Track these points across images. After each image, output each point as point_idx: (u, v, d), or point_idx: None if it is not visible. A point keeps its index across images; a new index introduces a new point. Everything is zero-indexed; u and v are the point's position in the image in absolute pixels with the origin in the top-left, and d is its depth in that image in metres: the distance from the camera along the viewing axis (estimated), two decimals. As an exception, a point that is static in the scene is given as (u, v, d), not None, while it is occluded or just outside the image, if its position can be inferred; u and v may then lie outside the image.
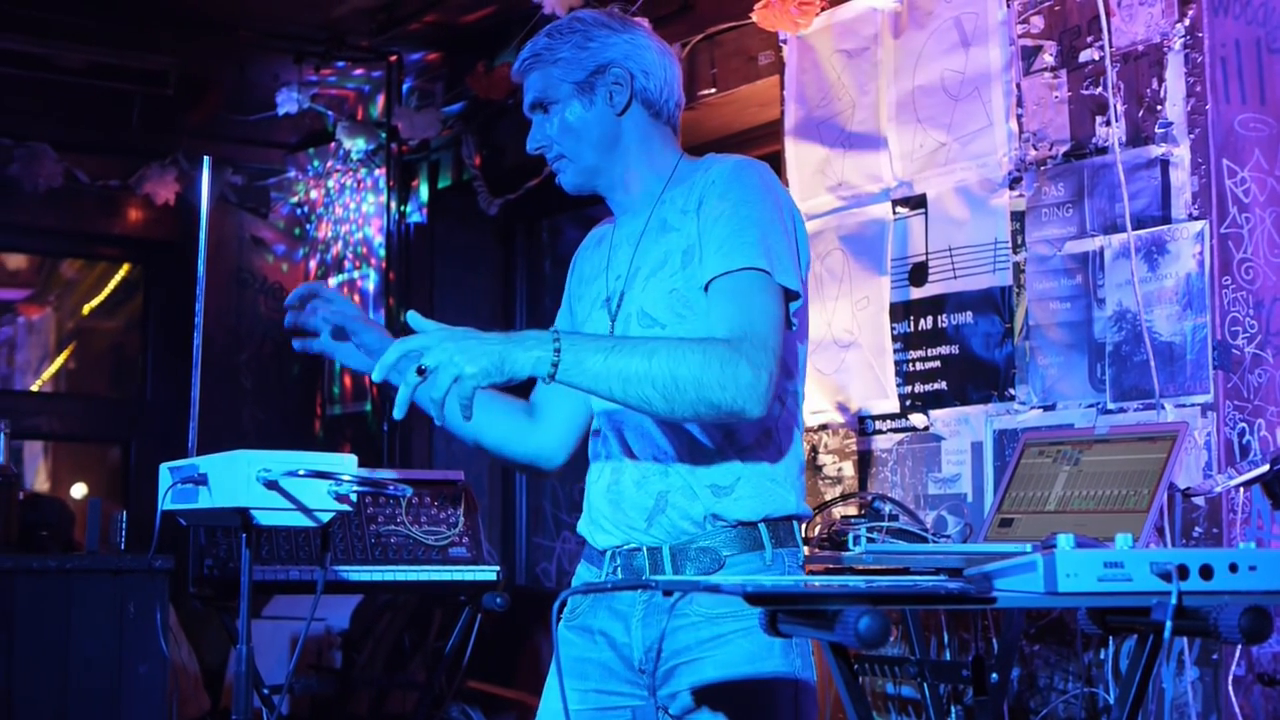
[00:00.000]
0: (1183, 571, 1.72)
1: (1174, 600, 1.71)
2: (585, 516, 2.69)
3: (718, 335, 2.38)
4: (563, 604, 2.06)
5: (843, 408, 4.75)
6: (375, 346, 2.72)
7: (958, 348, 4.41)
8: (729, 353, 2.33)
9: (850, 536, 3.86)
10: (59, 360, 8.85)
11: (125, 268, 8.57)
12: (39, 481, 8.90)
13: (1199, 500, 3.68)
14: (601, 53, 2.61)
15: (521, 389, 2.61)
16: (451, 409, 2.31)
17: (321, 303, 2.77)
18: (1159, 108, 3.89)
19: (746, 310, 2.39)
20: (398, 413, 2.31)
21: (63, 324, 8.87)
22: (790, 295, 2.48)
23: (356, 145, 7.68)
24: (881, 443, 4.64)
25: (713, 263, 2.46)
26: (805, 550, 3.88)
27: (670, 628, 2.52)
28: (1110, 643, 3.82)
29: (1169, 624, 1.71)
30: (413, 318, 2.37)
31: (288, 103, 7.49)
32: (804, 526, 2.73)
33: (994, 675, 3.71)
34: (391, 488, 3.02)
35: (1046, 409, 4.12)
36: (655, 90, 2.64)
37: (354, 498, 2.84)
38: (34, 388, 8.89)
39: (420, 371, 2.27)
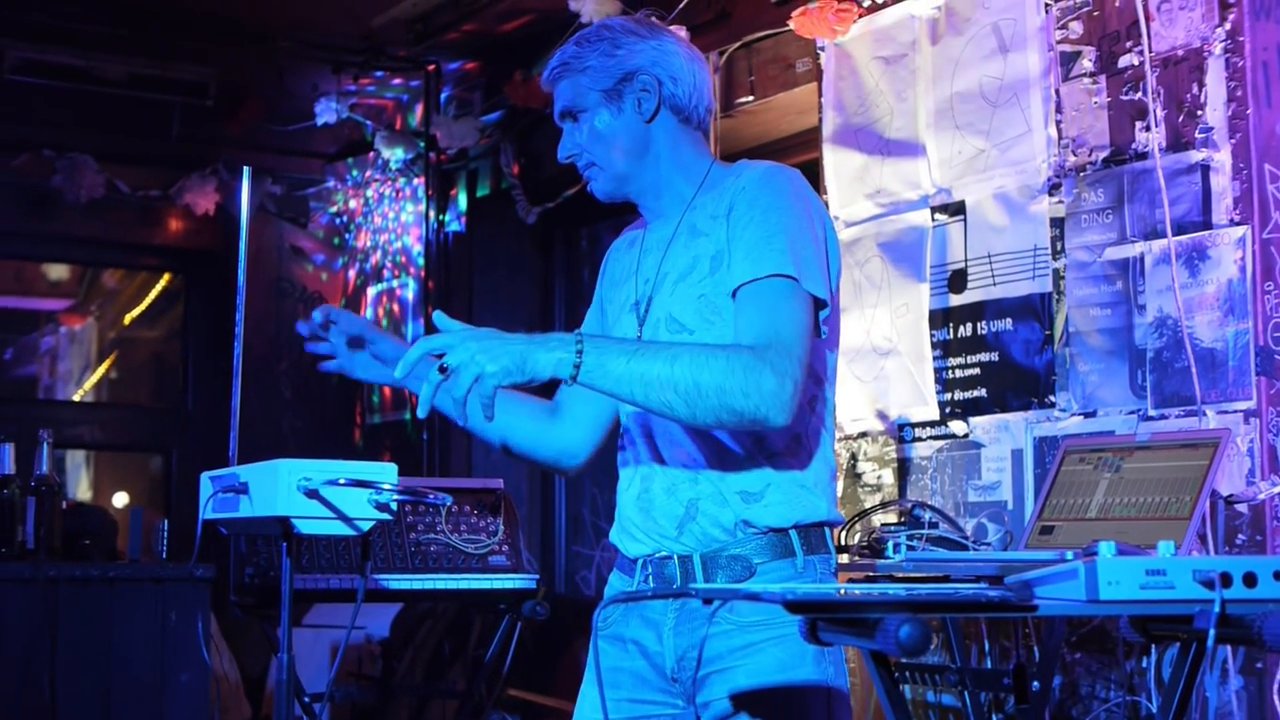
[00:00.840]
0: (1226, 579, 1.71)
1: (1217, 608, 1.70)
2: (616, 525, 2.69)
3: (744, 342, 2.38)
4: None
5: (882, 415, 4.74)
6: (391, 355, 2.75)
7: (997, 354, 4.39)
8: (753, 360, 2.32)
9: (890, 544, 3.85)
10: (100, 370, 8.91)
11: (166, 278, 8.62)
12: (81, 491, 8.96)
13: (1242, 507, 3.66)
14: (629, 60, 2.61)
15: (543, 390, 2.62)
16: (473, 409, 2.32)
17: (337, 319, 2.80)
18: (1199, 113, 3.87)
19: (773, 317, 2.39)
20: (421, 411, 2.33)
21: (104, 334, 8.93)
22: (819, 303, 2.48)
23: (395, 154, 7.70)
24: (921, 450, 4.63)
25: (741, 269, 2.45)
26: (844, 558, 3.89)
27: (704, 636, 2.52)
28: (1153, 651, 3.80)
29: (1212, 632, 1.70)
30: (438, 317, 2.39)
31: (326, 112, 7.52)
32: (836, 533, 2.72)
33: (1035, 683, 3.69)
34: (431, 496, 3.02)
35: (1087, 416, 4.10)
36: (684, 96, 2.63)
37: (394, 506, 2.84)
38: (76, 397, 8.95)
39: (442, 370, 2.28)
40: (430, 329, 2.39)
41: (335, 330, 2.78)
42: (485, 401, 2.29)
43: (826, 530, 2.57)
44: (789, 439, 2.52)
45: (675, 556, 2.54)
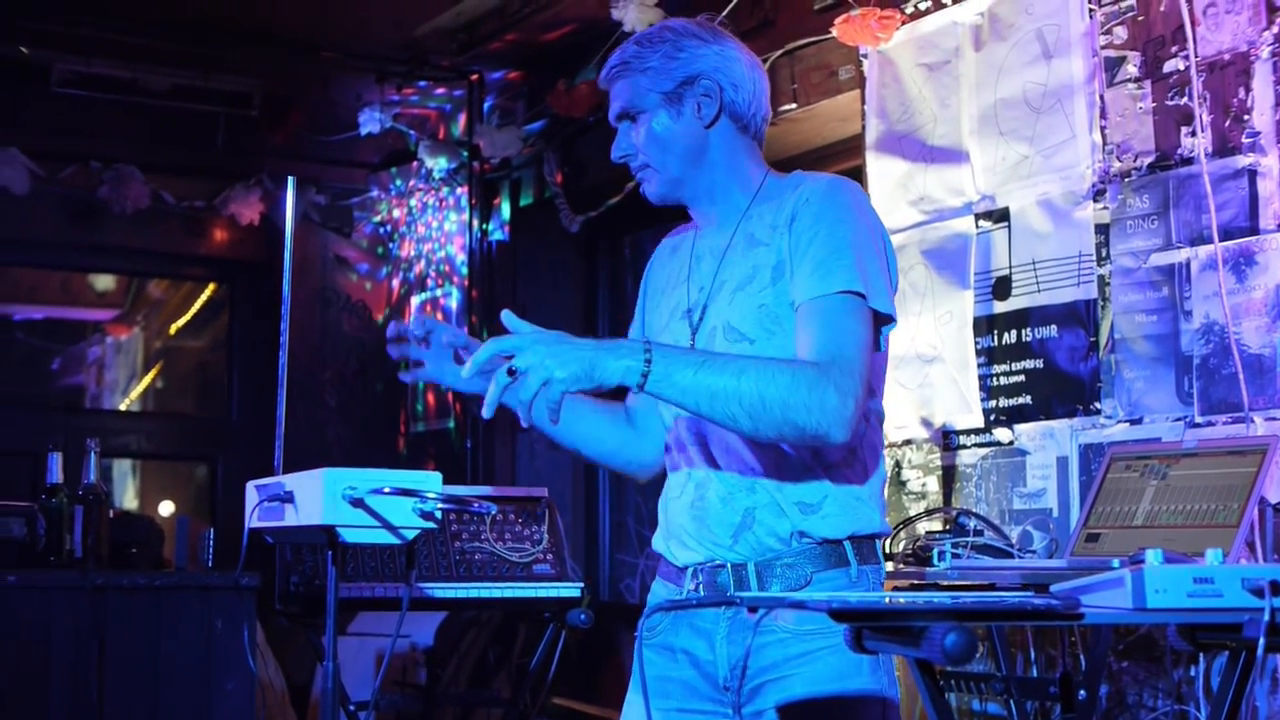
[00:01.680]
0: (1275, 587, 1.70)
1: (1267, 616, 1.69)
2: (662, 532, 2.67)
3: (808, 358, 2.37)
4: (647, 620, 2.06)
5: (926, 422, 4.72)
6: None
7: (1042, 361, 4.37)
8: (817, 377, 2.33)
9: (935, 552, 3.84)
10: (146, 379, 8.96)
11: (211, 287, 8.66)
12: (128, 499, 9.00)
13: (1290, 515, 3.63)
14: (691, 63, 2.60)
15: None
16: (539, 413, 2.32)
17: (436, 330, 2.79)
18: (1246, 117, 3.84)
19: (837, 334, 2.39)
20: (487, 412, 2.34)
21: (150, 344, 8.98)
22: (882, 319, 2.47)
23: (438, 164, 7.72)
24: (966, 457, 4.61)
25: (807, 284, 2.44)
26: (889, 566, 3.88)
27: (756, 644, 2.51)
28: (1201, 659, 3.77)
29: (1262, 641, 1.69)
30: (507, 317, 2.40)
31: (370, 122, 7.55)
32: (884, 543, 2.72)
33: (1082, 692, 3.67)
34: (476, 505, 3.02)
35: (1133, 423, 4.07)
36: (743, 103, 2.63)
37: (439, 515, 2.85)
38: (122, 407, 9.00)
39: (511, 373, 2.29)
40: (495, 333, 2.39)
41: (435, 341, 2.77)
42: (552, 406, 2.29)
43: (877, 541, 2.58)
44: (846, 451, 2.52)
45: (729, 565, 2.54)
